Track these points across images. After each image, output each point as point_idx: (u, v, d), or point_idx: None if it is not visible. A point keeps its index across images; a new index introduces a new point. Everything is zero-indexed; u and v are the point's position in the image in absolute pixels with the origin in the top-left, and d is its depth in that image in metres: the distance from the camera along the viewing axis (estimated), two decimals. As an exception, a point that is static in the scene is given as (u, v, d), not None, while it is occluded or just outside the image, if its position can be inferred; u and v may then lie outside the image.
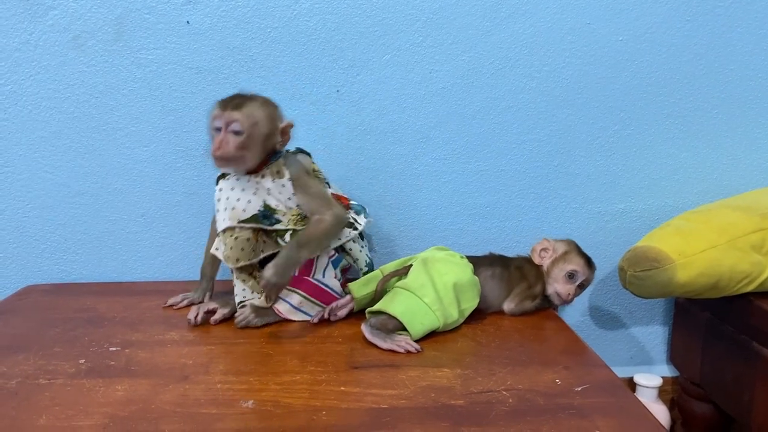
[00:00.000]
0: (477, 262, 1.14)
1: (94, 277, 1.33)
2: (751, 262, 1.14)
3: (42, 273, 1.32)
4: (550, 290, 1.17)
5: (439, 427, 0.76)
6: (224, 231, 1.07)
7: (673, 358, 1.44)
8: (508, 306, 1.15)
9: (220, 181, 1.11)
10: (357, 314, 1.11)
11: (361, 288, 1.11)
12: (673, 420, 1.43)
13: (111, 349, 0.98)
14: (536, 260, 1.19)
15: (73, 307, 1.17)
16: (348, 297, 1.11)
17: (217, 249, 1.09)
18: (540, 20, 1.29)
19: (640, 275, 1.14)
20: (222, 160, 1.01)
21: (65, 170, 1.28)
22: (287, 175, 1.07)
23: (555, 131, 1.34)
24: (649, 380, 1.37)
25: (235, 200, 1.07)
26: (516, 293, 1.16)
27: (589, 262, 1.19)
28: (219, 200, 1.09)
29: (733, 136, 1.38)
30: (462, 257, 1.13)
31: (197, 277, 1.19)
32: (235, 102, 1.02)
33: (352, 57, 1.27)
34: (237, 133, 1.01)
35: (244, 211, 1.06)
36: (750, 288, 1.16)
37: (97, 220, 1.31)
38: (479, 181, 1.36)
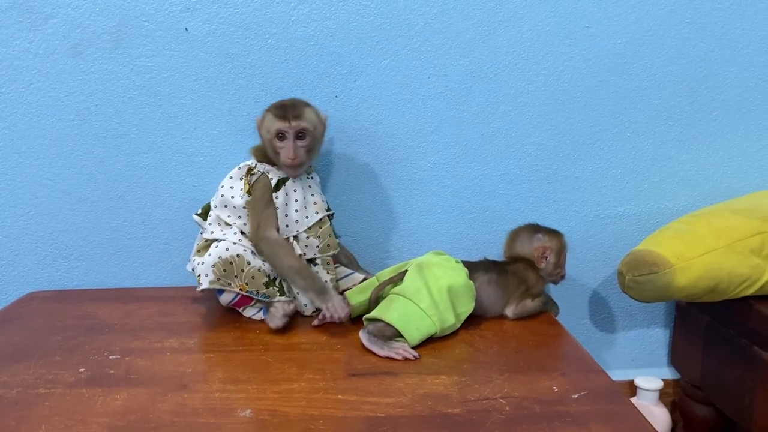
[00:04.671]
0: (472, 268, 1.14)
1: (96, 283, 1.34)
2: (750, 265, 1.14)
3: (44, 280, 1.33)
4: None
5: (435, 436, 0.77)
6: (311, 226, 1.14)
7: (674, 360, 1.44)
8: (510, 310, 1.15)
9: (283, 187, 1.13)
10: (355, 320, 1.11)
11: (356, 295, 1.12)
12: (675, 422, 1.43)
13: (111, 357, 0.99)
14: (540, 265, 1.19)
15: (74, 314, 1.18)
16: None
17: (305, 248, 1.14)
18: (538, 24, 1.28)
19: (639, 279, 1.14)
20: (294, 167, 1.12)
21: (66, 177, 1.29)
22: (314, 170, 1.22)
23: (554, 135, 1.34)
24: (650, 383, 1.36)
25: (310, 195, 1.16)
26: (515, 296, 1.16)
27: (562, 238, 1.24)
28: (296, 201, 1.14)
29: (733, 139, 1.37)
30: (457, 262, 1.13)
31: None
32: (296, 111, 1.11)
33: (350, 62, 1.28)
34: (302, 138, 1.11)
35: (323, 201, 1.17)
36: (749, 291, 1.16)
37: (99, 227, 1.32)
38: (478, 186, 1.36)
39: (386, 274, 1.13)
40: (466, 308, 1.08)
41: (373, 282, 1.12)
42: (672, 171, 1.38)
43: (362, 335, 1.02)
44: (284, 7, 1.24)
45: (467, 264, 1.14)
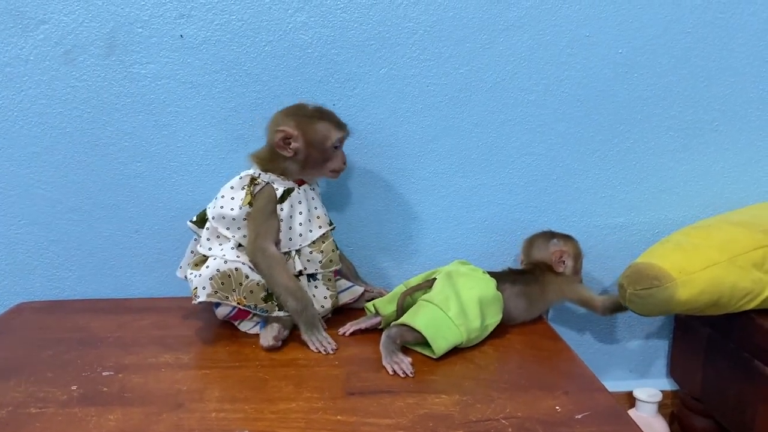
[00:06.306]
0: (498, 279, 1.14)
1: (88, 293, 1.32)
2: (752, 279, 1.13)
3: (34, 290, 1.31)
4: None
5: (437, 460, 0.75)
6: (314, 241, 1.12)
7: (673, 372, 1.43)
8: (600, 306, 1.21)
9: (288, 198, 1.10)
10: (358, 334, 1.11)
11: (387, 305, 1.11)
12: (673, 434, 1.42)
13: (104, 373, 0.97)
14: (559, 269, 1.21)
15: (65, 326, 1.15)
16: (377, 319, 1.11)
17: (307, 263, 1.12)
18: (539, 33, 1.27)
19: (640, 293, 1.12)
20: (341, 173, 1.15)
21: (58, 186, 1.26)
22: None
23: (554, 145, 1.33)
24: (649, 395, 1.35)
25: (314, 209, 1.14)
26: (580, 295, 1.22)
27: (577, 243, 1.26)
28: (300, 213, 1.12)
29: (734, 149, 1.36)
30: (484, 272, 1.13)
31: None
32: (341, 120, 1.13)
33: (348, 71, 1.26)
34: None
35: (326, 215, 1.16)
36: (751, 305, 1.15)
37: (91, 236, 1.29)
38: (478, 195, 1.34)
39: (414, 281, 1.13)
40: (495, 319, 1.08)
41: (402, 290, 1.11)
42: (672, 181, 1.37)
43: (383, 336, 1.01)
44: (282, 14, 1.22)
45: (493, 274, 1.14)
